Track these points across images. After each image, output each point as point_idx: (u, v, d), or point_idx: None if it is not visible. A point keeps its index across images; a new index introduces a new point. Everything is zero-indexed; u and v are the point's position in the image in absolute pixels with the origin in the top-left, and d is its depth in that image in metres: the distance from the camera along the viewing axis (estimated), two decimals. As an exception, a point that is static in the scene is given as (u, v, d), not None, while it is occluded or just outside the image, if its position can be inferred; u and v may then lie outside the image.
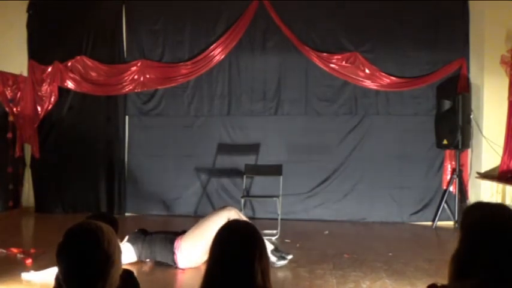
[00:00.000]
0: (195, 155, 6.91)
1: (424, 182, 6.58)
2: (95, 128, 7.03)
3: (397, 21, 6.62)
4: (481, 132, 6.16)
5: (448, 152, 6.50)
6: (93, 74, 6.99)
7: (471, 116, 6.22)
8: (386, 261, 4.62)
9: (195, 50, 6.89)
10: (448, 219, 6.25)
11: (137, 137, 7.06)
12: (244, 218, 4.22)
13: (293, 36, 6.65)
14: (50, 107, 7.02)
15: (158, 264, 4.48)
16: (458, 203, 6.19)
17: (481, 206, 1.72)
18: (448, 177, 6.46)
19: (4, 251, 4.80)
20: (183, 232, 4.43)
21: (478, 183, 6.21)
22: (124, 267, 1.75)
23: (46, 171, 7.07)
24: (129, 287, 1.84)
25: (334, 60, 6.64)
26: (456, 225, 5.85)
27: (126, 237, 4.51)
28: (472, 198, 6.25)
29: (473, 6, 6.49)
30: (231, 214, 4.13)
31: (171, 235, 4.44)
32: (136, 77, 6.91)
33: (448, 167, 6.52)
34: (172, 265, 4.36)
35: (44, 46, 7.09)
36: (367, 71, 6.60)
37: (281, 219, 5.76)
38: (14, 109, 6.98)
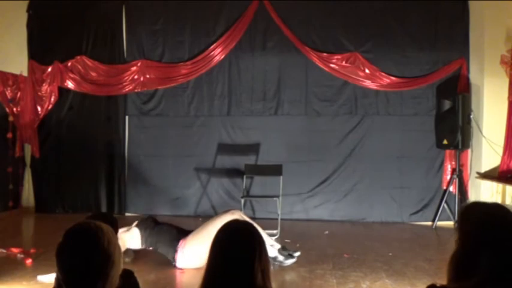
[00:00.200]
0: (195, 155, 6.91)
1: (424, 182, 6.58)
2: (95, 128, 7.04)
3: (397, 21, 6.63)
4: (481, 132, 6.16)
5: (448, 152, 6.50)
6: (93, 74, 7.00)
7: (471, 116, 6.22)
8: (386, 261, 4.62)
9: (195, 50, 6.89)
10: (448, 219, 6.25)
11: (137, 137, 7.06)
12: (246, 219, 4.22)
13: (293, 37, 6.65)
14: (50, 107, 7.03)
15: (158, 263, 4.49)
16: (458, 203, 6.19)
17: (477, 206, 1.72)
18: (448, 177, 6.46)
19: (4, 251, 4.80)
20: (190, 231, 4.45)
21: (478, 183, 6.21)
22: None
23: (46, 171, 7.08)
24: (129, 287, 1.84)
25: (334, 60, 6.64)
26: (456, 225, 5.84)
27: (136, 222, 4.56)
28: (472, 198, 6.25)
29: (473, 6, 6.49)
30: (234, 217, 4.13)
31: (178, 232, 4.45)
32: (136, 77, 6.91)
33: (448, 167, 6.53)
34: (171, 262, 4.36)
35: (44, 46, 7.10)
36: (367, 71, 6.60)
37: (281, 219, 5.77)
38: (14, 109, 6.98)
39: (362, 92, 6.69)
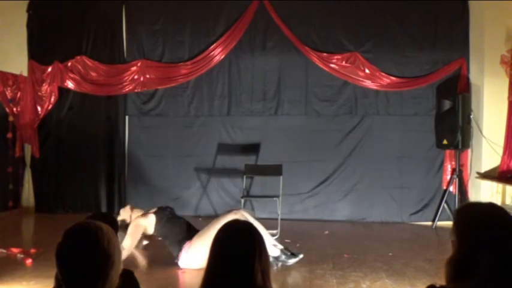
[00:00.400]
0: (195, 155, 6.91)
1: (424, 182, 6.58)
2: (95, 128, 7.03)
3: (397, 21, 6.63)
4: (481, 132, 6.16)
5: (448, 152, 6.50)
6: (93, 74, 7.00)
7: (471, 116, 6.22)
8: (387, 261, 4.62)
9: (195, 50, 6.89)
10: (448, 219, 6.23)
11: (137, 137, 7.06)
12: (250, 219, 4.22)
13: (293, 37, 6.65)
14: (50, 107, 7.03)
15: (159, 263, 4.49)
16: (458, 203, 6.19)
17: (473, 207, 1.72)
18: (448, 177, 6.46)
19: (4, 251, 4.80)
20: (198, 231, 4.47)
21: (478, 183, 6.21)
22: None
23: (46, 171, 7.08)
24: (129, 286, 1.84)
25: (334, 60, 6.64)
26: (452, 227, 5.84)
27: (154, 209, 4.59)
28: (472, 198, 6.26)
29: (473, 6, 6.49)
30: (236, 217, 4.13)
31: (188, 231, 4.45)
32: (136, 77, 6.91)
33: (448, 167, 6.53)
34: (174, 259, 4.37)
35: (44, 46, 7.10)
36: (367, 71, 6.60)
37: (281, 219, 5.76)
38: (14, 109, 6.98)
39: (362, 92, 6.69)
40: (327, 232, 5.94)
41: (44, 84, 7.03)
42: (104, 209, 6.89)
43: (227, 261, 1.68)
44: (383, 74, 6.58)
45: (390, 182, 6.61)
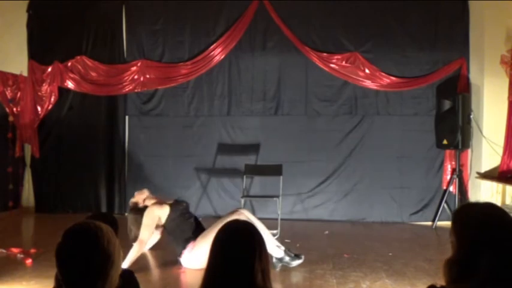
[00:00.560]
0: (195, 155, 6.91)
1: (424, 182, 6.58)
2: (95, 128, 7.03)
3: (397, 21, 6.63)
4: (481, 132, 6.16)
5: (448, 152, 6.50)
6: (93, 74, 6.99)
7: (471, 116, 6.22)
8: (387, 261, 4.62)
9: (195, 50, 6.89)
10: (448, 219, 6.20)
11: (137, 137, 7.06)
12: (254, 220, 4.22)
13: (293, 37, 6.65)
14: (50, 107, 7.03)
15: (159, 263, 4.50)
16: (458, 203, 6.19)
17: (472, 207, 1.72)
18: (448, 177, 6.46)
19: (4, 251, 4.80)
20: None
21: (478, 183, 6.21)
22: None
23: (46, 171, 7.08)
24: (129, 286, 1.84)
25: (334, 60, 6.64)
26: (452, 228, 5.85)
27: (171, 201, 4.56)
28: (472, 198, 6.25)
29: (473, 6, 6.49)
30: (241, 218, 4.11)
31: (196, 231, 4.43)
32: (136, 77, 6.91)
33: (448, 167, 6.52)
34: (177, 255, 4.38)
35: (44, 46, 7.10)
36: (367, 71, 6.60)
37: (281, 219, 5.76)
38: (14, 109, 6.98)
39: (362, 92, 6.69)
40: (327, 232, 5.94)
41: (44, 84, 7.03)
42: (104, 209, 6.89)
43: (227, 261, 1.68)
44: (383, 74, 6.58)
45: (390, 182, 6.61)
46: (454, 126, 6.11)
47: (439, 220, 6.28)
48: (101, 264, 1.56)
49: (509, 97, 5.93)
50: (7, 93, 6.87)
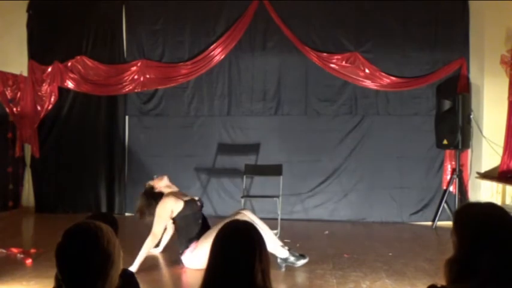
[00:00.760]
0: (195, 155, 6.91)
1: (424, 182, 6.58)
2: (95, 128, 7.03)
3: (397, 21, 6.63)
4: (481, 132, 6.16)
5: (448, 152, 6.50)
6: (93, 74, 6.99)
7: (471, 116, 6.22)
8: (386, 261, 4.62)
9: (195, 50, 6.89)
10: (448, 219, 6.22)
11: (137, 137, 7.06)
12: (257, 221, 4.21)
13: (293, 37, 6.65)
14: (50, 107, 7.03)
15: (159, 263, 4.50)
16: (458, 203, 6.19)
17: (473, 207, 1.71)
18: (448, 177, 6.46)
19: (4, 251, 4.80)
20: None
21: (478, 183, 6.21)
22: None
23: (46, 171, 7.08)
24: (129, 286, 1.84)
25: (334, 60, 6.64)
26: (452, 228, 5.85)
27: (187, 197, 4.52)
28: (472, 198, 6.26)
29: (473, 7, 6.49)
30: (244, 219, 4.09)
31: (201, 232, 4.41)
32: (136, 77, 6.91)
33: (448, 167, 6.52)
34: (179, 252, 4.38)
35: (44, 46, 7.10)
36: (367, 71, 6.60)
37: (281, 219, 5.76)
38: (14, 109, 6.98)
39: (362, 92, 6.69)
40: (327, 232, 5.94)
41: (44, 84, 7.03)
42: (104, 209, 6.89)
43: (227, 261, 1.68)
44: (383, 74, 6.58)
45: (390, 182, 6.61)
46: (454, 126, 6.11)
47: (439, 220, 6.28)
48: (100, 264, 1.56)
49: (509, 97, 5.93)
50: (7, 93, 6.87)
